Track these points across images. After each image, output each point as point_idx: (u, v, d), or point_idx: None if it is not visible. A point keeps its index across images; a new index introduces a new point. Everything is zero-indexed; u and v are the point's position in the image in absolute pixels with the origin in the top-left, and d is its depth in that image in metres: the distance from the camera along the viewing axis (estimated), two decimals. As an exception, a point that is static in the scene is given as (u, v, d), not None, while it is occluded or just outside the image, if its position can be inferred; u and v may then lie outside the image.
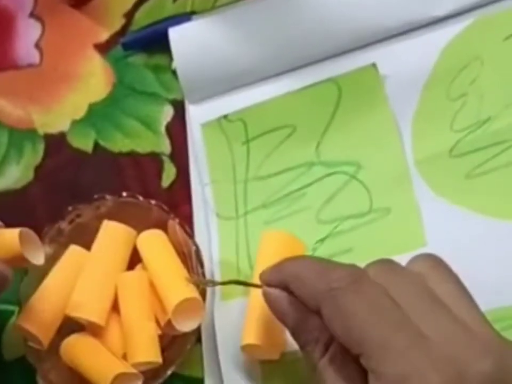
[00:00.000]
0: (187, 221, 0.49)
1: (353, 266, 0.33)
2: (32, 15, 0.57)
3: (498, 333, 0.31)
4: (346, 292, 0.31)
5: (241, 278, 0.46)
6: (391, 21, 0.48)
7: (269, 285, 0.36)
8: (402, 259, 0.44)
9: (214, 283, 0.43)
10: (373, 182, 0.47)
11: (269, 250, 0.45)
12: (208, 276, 0.47)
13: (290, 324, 0.35)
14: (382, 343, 0.29)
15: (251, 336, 0.42)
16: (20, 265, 0.43)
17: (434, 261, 0.35)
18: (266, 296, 0.36)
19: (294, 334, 0.36)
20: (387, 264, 0.34)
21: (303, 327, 0.34)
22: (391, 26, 0.48)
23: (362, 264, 0.36)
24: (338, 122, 0.49)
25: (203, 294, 0.45)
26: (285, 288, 0.35)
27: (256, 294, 0.41)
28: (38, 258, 0.43)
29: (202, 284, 0.43)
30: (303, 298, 0.33)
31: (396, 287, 0.31)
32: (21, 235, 0.41)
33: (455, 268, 0.44)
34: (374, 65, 0.49)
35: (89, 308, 0.45)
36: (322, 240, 0.47)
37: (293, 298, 0.35)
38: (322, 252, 0.46)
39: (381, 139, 0.48)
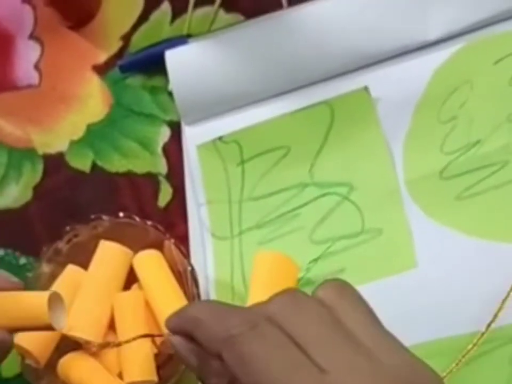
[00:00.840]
0: (183, 241, 0.50)
1: (251, 312, 0.33)
2: (31, 36, 0.58)
3: (416, 360, 0.30)
4: (245, 338, 0.30)
5: (236, 297, 0.47)
6: (383, 45, 0.49)
7: (173, 332, 0.36)
8: (393, 280, 0.46)
9: (120, 343, 0.43)
10: (365, 203, 0.48)
11: (262, 271, 0.45)
12: (203, 295, 0.48)
13: (193, 369, 0.35)
14: None
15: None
16: (40, 330, 0.40)
17: (343, 289, 0.33)
18: (169, 343, 0.36)
19: (198, 379, 0.35)
20: (289, 298, 0.32)
21: (204, 373, 0.34)
22: (383, 50, 0.49)
23: (354, 285, 0.36)
24: (331, 144, 0.49)
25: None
26: (188, 334, 0.35)
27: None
28: (61, 322, 0.40)
29: (110, 346, 0.43)
30: (204, 344, 0.33)
31: (296, 324, 0.30)
32: (50, 300, 0.38)
33: (445, 288, 0.45)
34: (366, 88, 0.49)
35: (86, 327, 0.46)
36: (315, 260, 0.48)
37: (191, 345, 0.34)
38: (315, 272, 0.47)
39: (373, 161, 0.48)
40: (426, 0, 0.49)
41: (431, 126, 0.48)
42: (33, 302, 0.39)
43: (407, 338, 0.32)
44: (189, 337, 0.34)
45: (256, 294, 0.43)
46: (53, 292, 0.39)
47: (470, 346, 0.43)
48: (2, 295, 0.40)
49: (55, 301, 0.39)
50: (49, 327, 0.38)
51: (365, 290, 0.34)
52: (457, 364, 0.43)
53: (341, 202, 0.48)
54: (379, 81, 0.49)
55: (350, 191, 0.48)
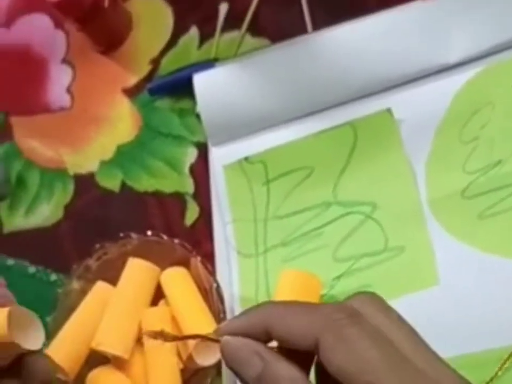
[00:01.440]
0: (209, 258, 0.51)
1: (338, 304, 0.32)
2: (64, 60, 0.60)
3: None
4: (349, 323, 0.30)
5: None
6: (405, 68, 0.50)
7: (232, 335, 0.33)
8: (416, 297, 0.46)
9: (174, 338, 0.38)
10: (388, 222, 0.49)
11: (287, 288, 0.46)
12: (228, 312, 0.49)
13: (252, 374, 0.32)
14: (389, 377, 0.29)
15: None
16: (8, 351, 0.35)
17: (388, 306, 0.33)
18: (225, 347, 0.33)
19: None
20: (369, 297, 0.33)
21: (266, 378, 0.31)
22: (406, 73, 0.50)
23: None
24: (354, 164, 0.50)
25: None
26: (255, 336, 0.33)
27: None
28: (33, 342, 0.35)
29: (161, 338, 0.43)
30: (292, 335, 0.31)
31: (380, 321, 0.31)
32: (10, 316, 0.34)
33: (467, 306, 0.45)
34: (389, 110, 0.50)
35: (114, 342, 0.47)
36: (338, 277, 0.48)
37: (260, 346, 0.32)
38: (339, 289, 0.48)
39: (395, 180, 0.49)
40: (446, 24, 0.50)
41: (453, 146, 0.49)
42: None
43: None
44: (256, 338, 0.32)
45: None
46: (14, 308, 0.34)
47: (502, 361, 0.43)
48: None
49: (23, 318, 0.35)
50: (15, 346, 0.34)
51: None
52: (491, 379, 0.43)
53: (364, 221, 0.49)
54: (402, 103, 0.50)
55: (373, 210, 0.49)
